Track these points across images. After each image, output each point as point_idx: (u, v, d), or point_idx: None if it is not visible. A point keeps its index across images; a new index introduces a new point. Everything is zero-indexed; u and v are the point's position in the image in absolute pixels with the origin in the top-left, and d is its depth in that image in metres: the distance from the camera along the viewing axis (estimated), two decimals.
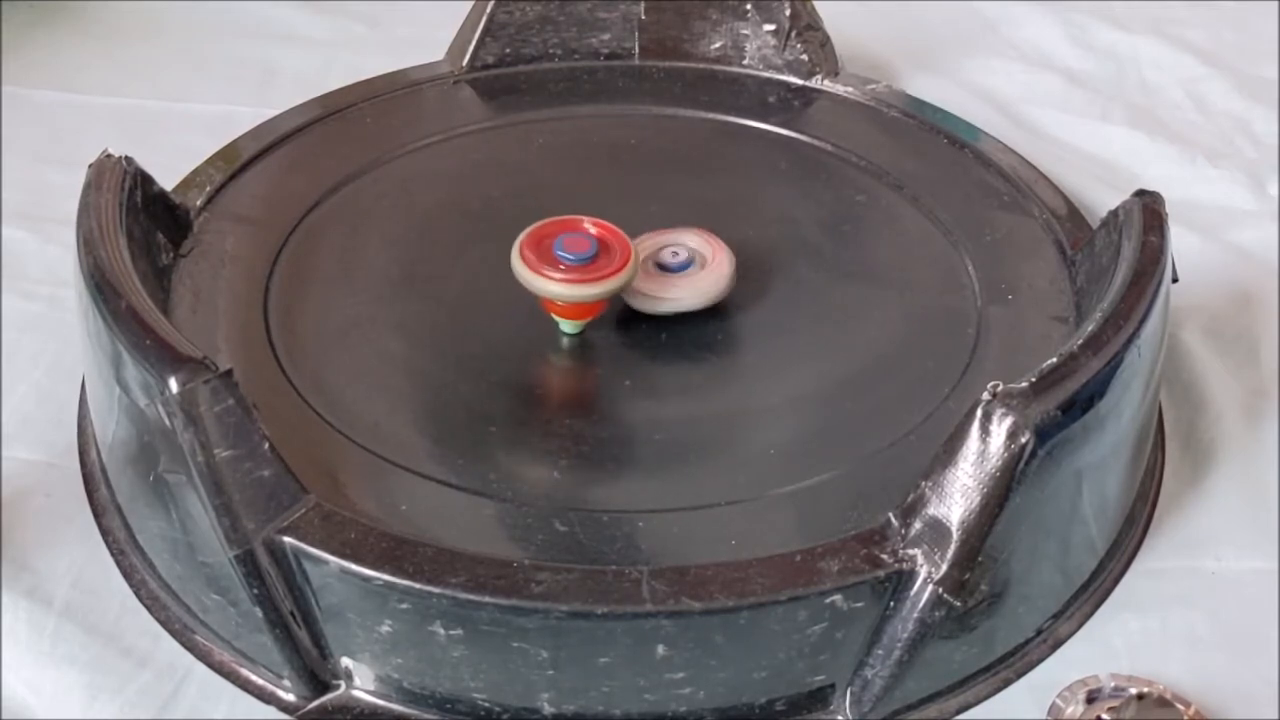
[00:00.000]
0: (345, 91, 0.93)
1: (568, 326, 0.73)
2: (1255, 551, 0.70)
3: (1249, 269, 0.88)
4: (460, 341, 0.74)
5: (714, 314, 0.74)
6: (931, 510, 0.59)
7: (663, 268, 0.74)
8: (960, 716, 0.63)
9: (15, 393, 0.76)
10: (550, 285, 0.70)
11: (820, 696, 0.61)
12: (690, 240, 0.76)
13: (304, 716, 0.61)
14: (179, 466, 0.59)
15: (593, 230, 0.71)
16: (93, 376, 0.68)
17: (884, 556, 0.59)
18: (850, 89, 0.94)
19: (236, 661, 0.63)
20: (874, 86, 0.94)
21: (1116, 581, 0.69)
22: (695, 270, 0.75)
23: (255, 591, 0.59)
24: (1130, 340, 0.64)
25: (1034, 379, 0.59)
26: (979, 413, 0.58)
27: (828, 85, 0.94)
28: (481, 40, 0.95)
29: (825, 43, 0.95)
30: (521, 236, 0.71)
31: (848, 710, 0.61)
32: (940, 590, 0.58)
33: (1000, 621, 0.63)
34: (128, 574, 0.67)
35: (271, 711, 0.62)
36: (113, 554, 0.68)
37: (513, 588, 0.57)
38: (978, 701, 0.63)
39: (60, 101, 1.01)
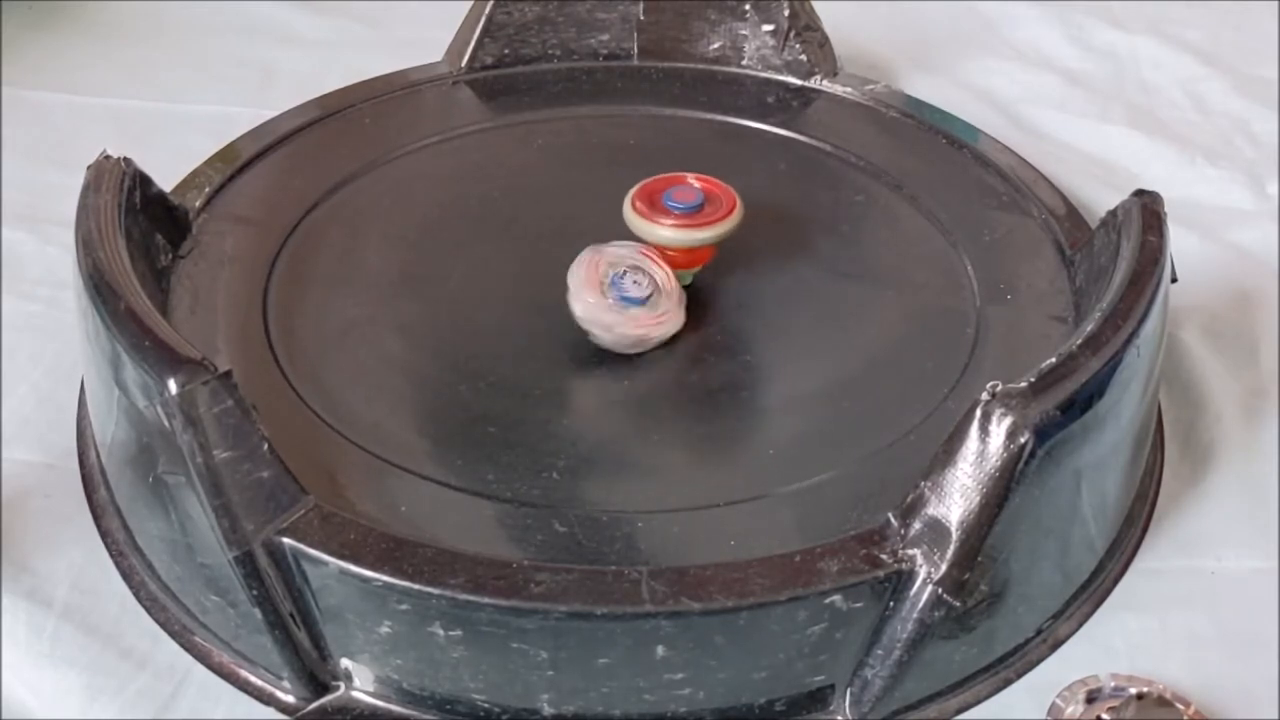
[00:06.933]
0: (344, 92, 0.93)
1: (680, 277, 0.74)
2: (1255, 551, 0.70)
3: (1248, 269, 0.88)
4: (459, 342, 0.74)
5: (713, 314, 0.75)
6: (931, 510, 0.59)
7: (626, 299, 0.71)
8: (960, 716, 0.63)
9: (15, 394, 0.76)
10: (662, 231, 0.72)
11: (820, 697, 0.61)
12: (638, 260, 0.73)
13: (303, 718, 0.61)
14: (178, 468, 0.59)
15: (697, 184, 0.74)
16: (92, 378, 0.68)
17: (884, 556, 0.59)
18: (849, 89, 0.94)
19: (236, 663, 0.63)
20: (873, 87, 0.94)
21: (1116, 581, 0.69)
22: (657, 299, 0.72)
23: (254, 593, 0.59)
24: (1129, 340, 0.63)
25: (1033, 379, 0.59)
26: (978, 413, 0.58)
27: (826, 85, 0.94)
28: (480, 41, 0.95)
29: (824, 43, 0.95)
30: (632, 191, 0.74)
31: (847, 710, 0.61)
32: (940, 590, 0.58)
33: (1000, 621, 0.63)
34: (127, 575, 0.67)
35: (271, 712, 0.62)
36: (112, 555, 0.68)
37: (512, 588, 0.57)
38: (978, 701, 0.63)
39: (60, 102, 1.01)
